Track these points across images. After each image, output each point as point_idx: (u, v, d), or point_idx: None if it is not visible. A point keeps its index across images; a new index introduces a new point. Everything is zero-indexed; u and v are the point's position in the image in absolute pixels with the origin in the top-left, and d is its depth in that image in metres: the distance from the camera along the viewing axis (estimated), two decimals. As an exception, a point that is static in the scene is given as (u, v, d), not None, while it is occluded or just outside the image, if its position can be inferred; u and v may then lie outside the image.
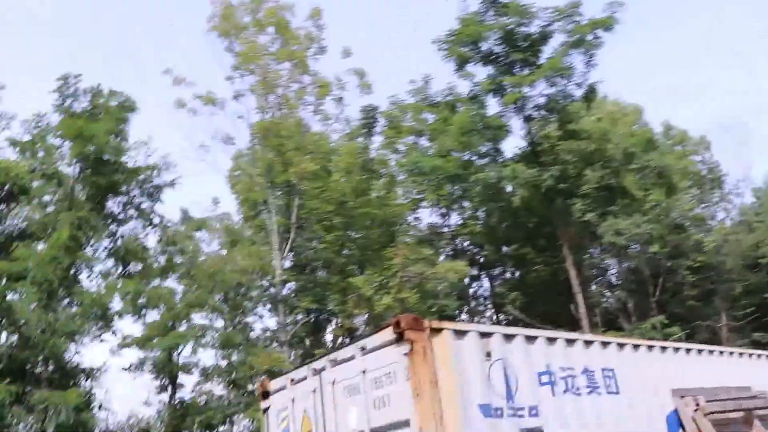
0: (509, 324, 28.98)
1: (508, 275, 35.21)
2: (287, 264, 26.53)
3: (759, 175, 56.74)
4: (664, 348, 9.66)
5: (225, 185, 29.37)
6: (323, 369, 8.20)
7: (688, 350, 10.30)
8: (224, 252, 26.99)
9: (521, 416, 7.36)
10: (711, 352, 10.97)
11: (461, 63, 28.06)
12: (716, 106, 70.70)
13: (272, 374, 9.68)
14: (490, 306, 35.30)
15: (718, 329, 33.80)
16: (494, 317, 33.57)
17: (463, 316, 31.31)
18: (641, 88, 68.62)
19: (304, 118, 26.61)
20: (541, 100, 27.96)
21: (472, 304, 34.87)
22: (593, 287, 35.87)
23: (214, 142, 25.70)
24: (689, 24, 74.40)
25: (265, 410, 9.37)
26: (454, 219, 34.09)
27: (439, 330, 7.29)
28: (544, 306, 30.78)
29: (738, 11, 70.36)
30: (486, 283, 35.47)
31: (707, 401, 9.12)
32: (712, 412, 8.85)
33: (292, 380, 8.84)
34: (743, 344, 28.49)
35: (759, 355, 12.38)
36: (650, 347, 9.43)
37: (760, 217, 37.93)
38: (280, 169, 24.66)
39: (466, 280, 33.05)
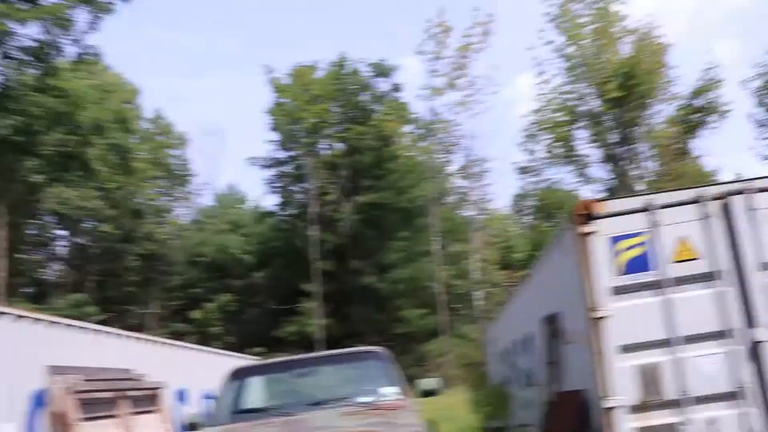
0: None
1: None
2: None
3: (223, 181, 62.59)
4: (52, 323, 9.29)
5: None
6: None
7: (80, 329, 10.17)
8: None
9: None
10: (106, 333, 11.10)
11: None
12: (205, 110, 76.01)
13: None
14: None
15: (149, 315, 35.30)
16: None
17: None
18: (151, 72, 68.99)
19: None
20: (30, 43, 25.13)
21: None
22: (39, 255, 33.64)
23: None
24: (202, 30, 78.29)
25: None
26: None
27: None
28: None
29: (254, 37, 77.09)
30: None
31: (84, 380, 9.12)
32: (81, 391, 8.85)
33: None
34: (167, 332, 30.32)
35: (149, 341, 13.13)
36: (36, 320, 8.94)
37: (212, 220, 41.48)
38: None
39: None
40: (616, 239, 6.11)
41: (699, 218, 6.15)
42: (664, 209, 6.15)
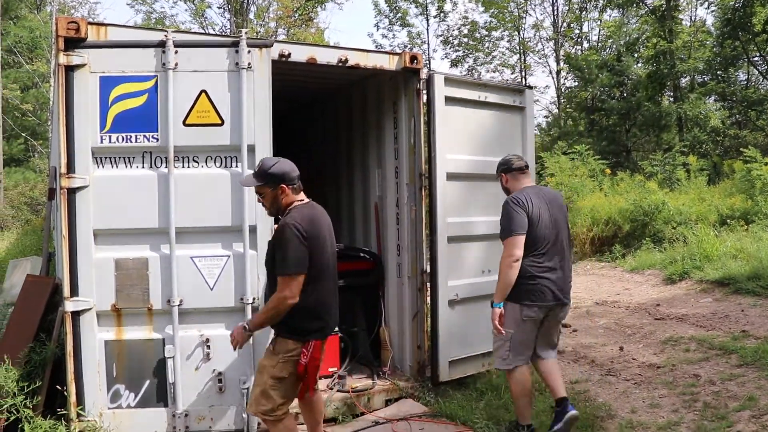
0: None
1: None
2: None
3: None
4: None
5: None
6: None
7: None
8: None
9: None
10: None
11: None
12: None
13: None
14: None
15: None
16: None
17: None
18: None
19: None
20: None
21: None
22: None
23: None
24: None
25: None
26: None
27: None
28: None
29: None
30: None
31: None
32: None
33: None
34: None
35: None
36: None
37: None
38: None
39: None
40: (110, 81, 4.17)
41: (231, 70, 4.41)
42: (185, 48, 4.33)
